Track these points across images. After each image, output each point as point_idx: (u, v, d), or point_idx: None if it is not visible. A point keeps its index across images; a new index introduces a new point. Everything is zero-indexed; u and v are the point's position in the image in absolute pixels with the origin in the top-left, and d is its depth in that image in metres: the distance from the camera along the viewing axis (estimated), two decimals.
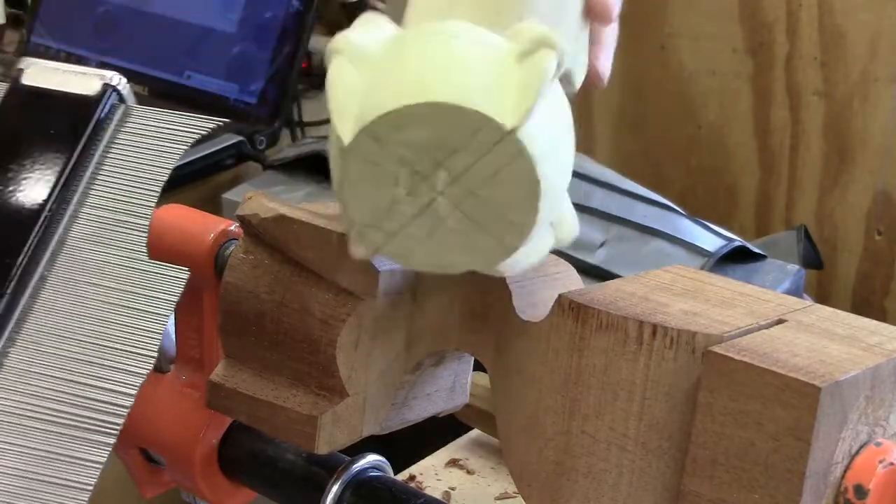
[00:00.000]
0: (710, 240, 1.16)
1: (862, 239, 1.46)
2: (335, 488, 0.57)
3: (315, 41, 1.55)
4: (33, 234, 0.53)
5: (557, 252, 0.53)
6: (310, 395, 0.54)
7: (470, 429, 0.88)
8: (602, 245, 1.15)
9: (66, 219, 0.54)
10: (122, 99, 0.57)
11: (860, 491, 0.44)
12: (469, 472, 0.84)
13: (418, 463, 0.85)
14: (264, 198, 0.55)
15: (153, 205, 0.54)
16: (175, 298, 0.52)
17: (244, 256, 0.55)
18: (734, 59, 1.50)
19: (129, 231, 0.54)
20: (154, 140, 0.56)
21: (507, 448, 0.51)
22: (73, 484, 0.49)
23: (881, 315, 1.45)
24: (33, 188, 0.54)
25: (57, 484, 0.49)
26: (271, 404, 0.54)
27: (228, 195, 1.35)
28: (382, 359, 0.54)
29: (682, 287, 0.51)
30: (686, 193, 1.55)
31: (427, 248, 0.48)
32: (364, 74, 0.47)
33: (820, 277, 1.48)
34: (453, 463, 0.85)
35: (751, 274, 1.14)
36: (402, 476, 0.82)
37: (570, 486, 0.48)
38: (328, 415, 0.53)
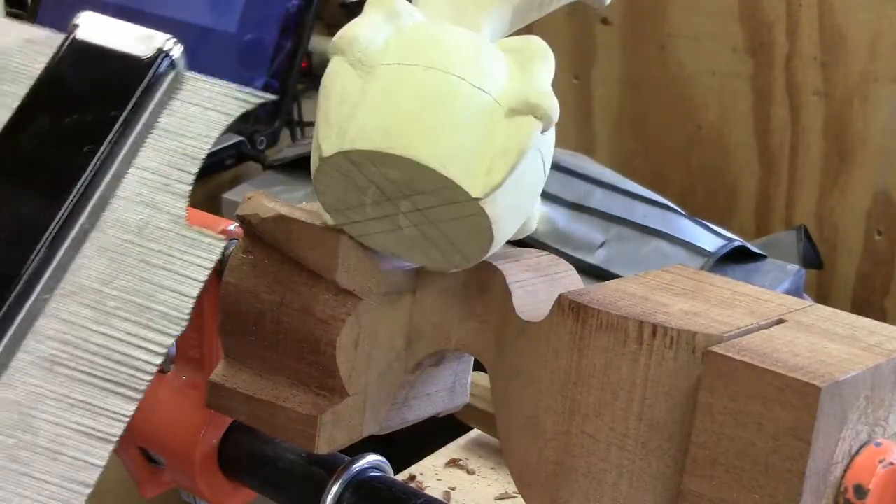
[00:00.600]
0: (710, 240, 1.16)
1: (862, 239, 1.47)
2: (335, 488, 0.57)
3: (315, 41, 1.55)
4: (76, 187, 0.53)
5: (557, 252, 0.53)
6: (310, 395, 0.54)
7: (470, 429, 0.88)
8: (602, 245, 1.15)
9: (110, 176, 0.54)
10: (172, 64, 0.57)
11: (860, 491, 0.44)
12: (469, 472, 0.84)
13: (418, 463, 0.85)
14: (264, 198, 0.55)
15: (196, 170, 0.55)
16: (211, 265, 0.53)
17: (244, 256, 0.55)
18: (734, 59, 1.50)
19: (170, 194, 0.54)
20: (201, 108, 0.56)
21: (507, 448, 0.51)
22: (99, 434, 0.50)
23: (881, 315, 1.45)
24: (80, 144, 0.54)
25: (84, 433, 0.50)
26: (271, 404, 0.55)
27: (228, 195, 1.35)
28: (382, 359, 0.55)
29: (682, 287, 0.51)
30: (686, 193, 1.55)
31: (385, 241, 0.51)
32: (362, 82, 0.48)
33: (820, 277, 1.48)
34: (453, 463, 0.85)
35: (751, 274, 1.14)
36: (402, 476, 0.82)
37: (570, 486, 0.48)
38: (328, 415, 0.53)
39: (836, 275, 1.49)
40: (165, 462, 0.65)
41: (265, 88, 1.41)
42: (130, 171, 0.55)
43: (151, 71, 0.56)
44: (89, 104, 0.55)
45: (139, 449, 0.65)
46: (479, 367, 0.57)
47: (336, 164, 0.48)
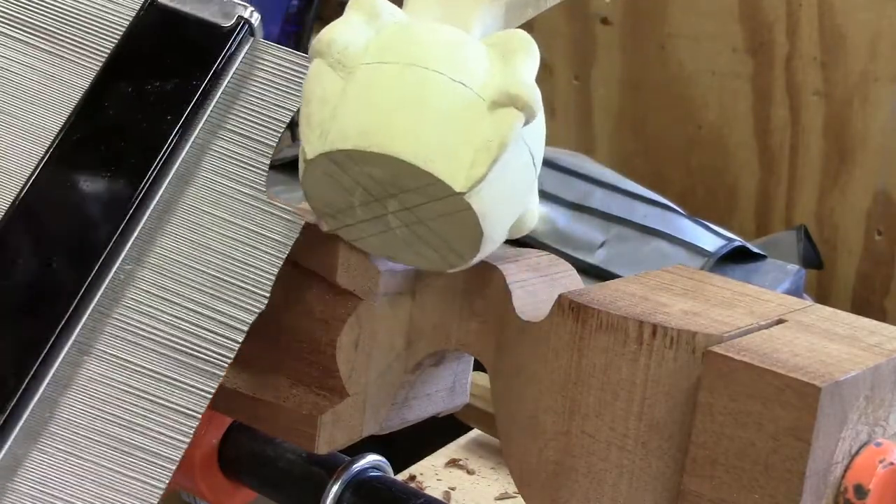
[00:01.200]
0: (710, 240, 1.16)
1: (862, 239, 1.46)
2: (335, 488, 0.57)
3: None
4: (159, 157, 0.52)
5: (557, 252, 0.53)
6: (310, 395, 0.54)
7: (470, 429, 0.88)
8: (602, 245, 1.15)
9: (190, 146, 0.53)
10: (252, 32, 0.56)
11: (860, 491, 0.44)
12: (469, 472, 0.84)
13: (418, 463, 0.85)
14: None
15: (275, 143, 0.54)
16: (290, 242, 0.52)
17: None
18: (734, 59, 1.50)
19: (251, 168, 0.53)
20: (281, 79, 0.55)
21: (507, 448, 0.51)
22: (181, 409, 0.50)
23: (881, 315, 1.45)
24: (163, 112, 0.53)
25: (167, 406, 0.50)
26: (271, 404, 0.55)
27: None
28: (382, 359, 0.54)
29: (682, 287, 0.51)
30: (686, 193, 1.55)
31: (379, 244, 0.51)
32: (342, 83, 0.48)
33: (820, 277, 1.48)
34: (453, 463, 0.85)
35: (751, 274, 1.14)
36: (402, 476, 0.82)
37: (570, 486, 0.48)
38: (328, 415, 0.53)
39: (836, 275, 1.49)
40: None
41: None
42: (209, 141, 0.54)
43: (232, 39, 0.54)
44: (171, 71, 0.54)
45: None
46: (479, 367, 0.57)
47: (320, 165, 0.48)
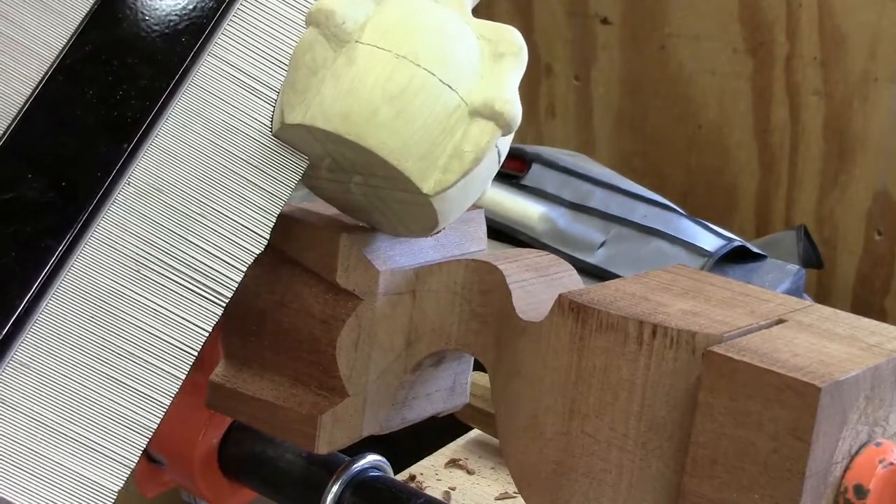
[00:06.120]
0: (710, 240, 1.16)
1: (862, 239, 1.46)
2: (335, 488, 0.57)
3: None
4: (173, 79, 0.51)
5: (557, 252, 0.53)
6: (310, 395, 0.54)
7: (470, 429, 0.88)
8: (602, 245, 1.15)
9: (200, 72, 0.51)
10: None
11: (860, 491, 0.44)
12: (469, 472, 0.84)
13: (418, 463, 0.85)
14: None
15: (281, 75, 0.52)
16: (293, 183, 0.51)
17: None
18: (734, 59, 1.50)
19: (258, 100, 0.52)
20: (291, 10, 0.53)
21: (507, 448, 0.51)
22: (178, 344, 0.49)
23: (881, 315, 1.45)
24: (176, 29, 0.51)
25: (164, 340, 0.49)
26: (271, 404, 0.55)
27: None
28: (382, 359, 0.55)
29: (682, 287, 0.51)
30: (686, 193, 1.55)
31: (335, 198, 0.53)
32: (333, 55, 0.49)
33: (820, 277, 1.48)
34: (453, 463, 0.85)
35: (751, 274, 1.14)
36: (402, 476, 0.82)
37: (570, 486, 0.48)
38: (328, 415, 0.53)
39: (836, 275, 1.49)
40: (165, 462, 0.65)
41: None
42: (222, 69, 0.52)
43: None
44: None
45: None
46: (479, 367, 0.57)
47: (297, 132, 0.49)
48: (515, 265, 0.54)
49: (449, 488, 0.81)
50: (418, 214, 0.50)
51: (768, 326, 0.47)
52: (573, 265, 0.58)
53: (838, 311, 0.50)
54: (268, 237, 0.51)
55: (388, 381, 0.55)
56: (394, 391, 0.56)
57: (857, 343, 0.46)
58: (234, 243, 0.50)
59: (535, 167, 1.26)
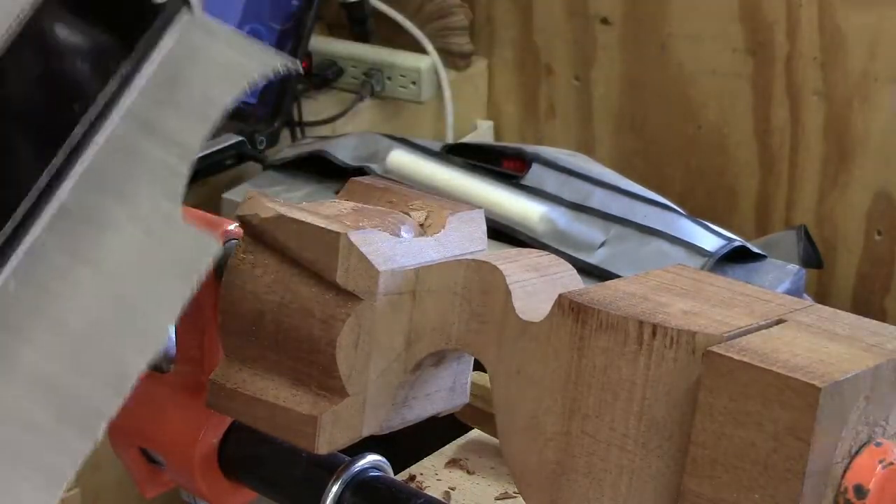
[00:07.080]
0: (710, 240, 1.17)
1: (862, 239, 1.47)
2: (335, 488, 0.57)
3: (315, 41, 1.55)
4: (57, 154, 0.44)
5: (557, 252, 0.53)
6: (310, 395, 0.54)
7: (470, 429, 0.88)
8: (602, 245, 1.15)
9: (98, 144, 0.45)
10: (189, 6, 0.47)
11: (860, 491, 0.44)
12: (469, 472, 0.84)
13: (418, 463, 0.85)
14: (264, 198, 0.55)
15: (201, 146, 0.46)
16: (202, 268, 0.45)
17: (244, 256, 0.55)
18: (734, 59, 1.50)
19: (170, 177, 0.46)
20: (216, 66, 0.47)
21: (507, 448, 0.51)
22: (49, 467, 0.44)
23: (881, 315, 1.45)
24: (68, 98, 0.44)
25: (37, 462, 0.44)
26: (271, 404, 0.55)
27: (228, 195, 1.35)
28: (382, 359, 0.54)
29: (682, 287, 0.51)
30: (686, 193, 1.55)
31: None
32: None
33: (820, 277, 1.48)
34: (453, 463, 0.85)
35: (751, 274, 1.14)
36: (402, 476, 0.82)
37: (570, 486, 0.48)
38: (328, 415, 0.53)
39: (836, 275, 1.49)
40: (165, 462, 0.65)
41: (266, 87, 1.41)
42: (128, 138, 0.45)
43: (162, 12, 0.46)
44: (85, 48, 0.45)
45: (139, 449, 0.65)
46: (479, 367, 0.57)
47: None
48: (515, 265, 0.54)
49: (449, 488, 0.81)
50: None
51: (768, 326, 0.47)
52: (573, 265, 0.57)
53: (838, 311, 0.50)
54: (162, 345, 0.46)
55: (388, 381, 0.55)
56: (394, 391, 0.56)
57: (857, 343, 0.46)
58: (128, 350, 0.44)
59: (535, 167, 1.26)
